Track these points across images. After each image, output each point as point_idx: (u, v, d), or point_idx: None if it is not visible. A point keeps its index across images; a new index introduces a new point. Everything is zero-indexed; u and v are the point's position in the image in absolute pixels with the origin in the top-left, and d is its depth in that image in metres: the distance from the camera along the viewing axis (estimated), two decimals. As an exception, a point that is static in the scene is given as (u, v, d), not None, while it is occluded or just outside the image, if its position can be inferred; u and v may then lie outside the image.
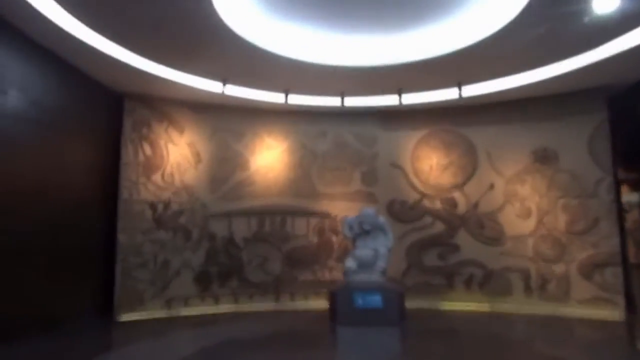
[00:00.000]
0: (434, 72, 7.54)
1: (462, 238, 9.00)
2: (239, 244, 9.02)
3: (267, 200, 9.21)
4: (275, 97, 8.68)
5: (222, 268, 8.84)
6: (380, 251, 7.65)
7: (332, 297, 7.43)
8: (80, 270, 7.27)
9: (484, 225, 8.86)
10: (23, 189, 5.98)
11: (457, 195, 9.14)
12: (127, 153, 8.24)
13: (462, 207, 9.09)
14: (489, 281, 8.69)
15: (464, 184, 9.11)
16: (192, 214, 8.72)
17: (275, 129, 9.47)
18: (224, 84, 7.93)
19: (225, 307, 8.68)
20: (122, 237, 8.01)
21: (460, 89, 8.15)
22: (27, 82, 6.10)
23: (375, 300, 7.16)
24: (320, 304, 8.63)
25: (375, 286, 7.29)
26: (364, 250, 7.72)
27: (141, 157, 8.34)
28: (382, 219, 7.99)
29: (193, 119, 8.93)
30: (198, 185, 8.83)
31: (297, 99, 8.81)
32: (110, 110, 8.18)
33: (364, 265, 7.63)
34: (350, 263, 7.67)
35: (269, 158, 9.38)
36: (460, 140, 9.20)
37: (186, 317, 8.11)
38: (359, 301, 7.16)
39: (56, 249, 6.62)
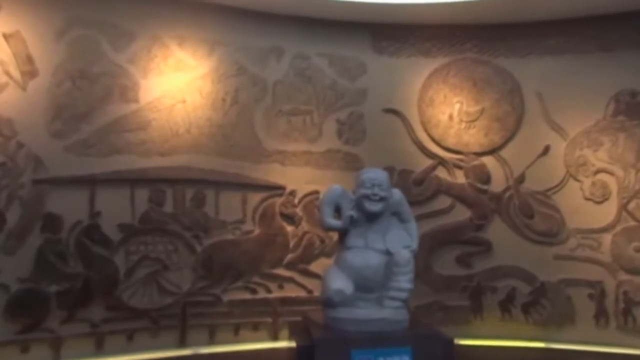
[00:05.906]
0: None
1: (497, 231, 5.83)
2: (111, 238, 4.89)
3: (169, 160, 5.28)
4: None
5: (72, 284, 4.65)
6: (399, 258, 3.90)
7: (302, 355, 3.52)
8: None
9: (532, 213, 5.79)
10: None
11: (490, 162, 5.96)
12: None
13: (498, 181, 5.91)
14: (538, 302, 5.70)
15: (502, 145, 5.95)
16: (8, 176, 4.50)
17: (192, 35, 5.47)
18: None
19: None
20: None
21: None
22: None
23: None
24: (260, 342, 5.28)
25: (396, 330, 3.63)
26: (366, 255, 3.96)
27: None
28: (399, 192, 4.32)
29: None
30: (26, 122, 4.69)
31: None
32: None
33: (368, 287, 3.88)
34: (338, 282, 3.83)
35: (178, 84, 5.37)
36: (497, 75, 6.00)
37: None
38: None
39: None
